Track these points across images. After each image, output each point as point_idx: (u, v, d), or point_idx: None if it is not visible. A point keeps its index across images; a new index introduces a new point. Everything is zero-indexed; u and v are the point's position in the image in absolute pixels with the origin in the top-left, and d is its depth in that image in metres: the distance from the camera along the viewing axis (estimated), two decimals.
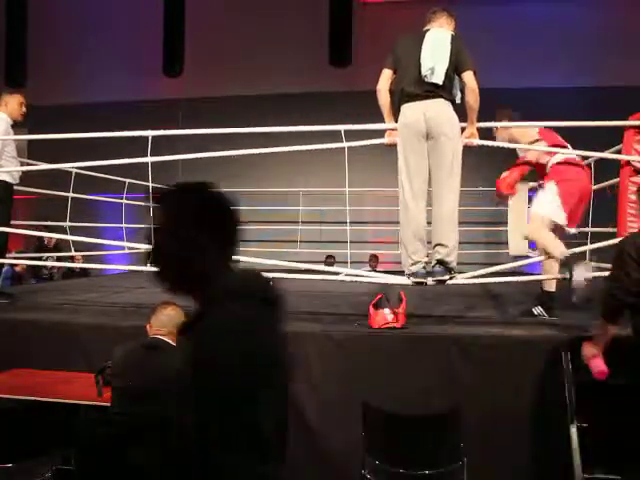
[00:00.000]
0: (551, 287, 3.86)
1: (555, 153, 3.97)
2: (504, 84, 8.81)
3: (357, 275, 4.17)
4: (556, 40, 8.95)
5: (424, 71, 3.53)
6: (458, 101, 3.66)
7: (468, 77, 3.55)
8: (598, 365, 2.63)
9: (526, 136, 4.08)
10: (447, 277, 3.60)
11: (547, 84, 8.79)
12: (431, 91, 3.56)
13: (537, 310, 3.84)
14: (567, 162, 3.95)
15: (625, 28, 8.62)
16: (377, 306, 3.51)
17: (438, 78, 3.52)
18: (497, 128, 4.16)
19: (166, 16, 9.91)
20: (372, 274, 4.47)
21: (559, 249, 3.66)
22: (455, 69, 3.56)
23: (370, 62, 9.31)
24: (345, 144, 3.90)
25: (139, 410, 2.53)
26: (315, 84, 9.45)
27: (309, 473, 3.26)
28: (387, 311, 3.46)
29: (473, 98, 3.58)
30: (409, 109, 3.61)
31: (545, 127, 4.08)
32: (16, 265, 7.39)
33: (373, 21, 9.79)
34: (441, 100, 3.58)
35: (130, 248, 6.55)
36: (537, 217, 3.89)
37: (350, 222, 4.23)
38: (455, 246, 3.61)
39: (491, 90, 8.92)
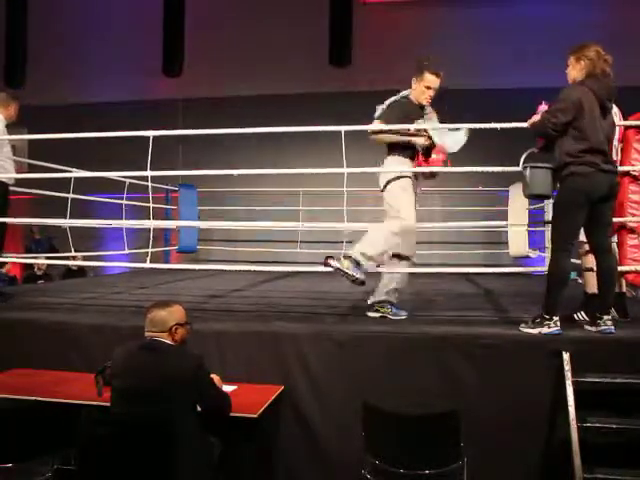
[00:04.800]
0: (593, 288, 3.60)
1: None
2: (504, 84, 8.81)
3: None
4: (557, 40, 8.92)
5: None
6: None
7: None
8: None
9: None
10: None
11: (547, 84, 8.78)
12: None
13: (579, 315, 3.64)
14: None
15: (626, 28, 8.61)
16: None
17: None
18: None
19: (166, 16, 9.92)
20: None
21: None
22: None
23: (370, 62, 9.41)
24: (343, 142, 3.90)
25: (139, 410, 2.53)
26: (315, 84, 9.44)
27: (309, 473, 3.26)
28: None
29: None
30: None
31: None
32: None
33: (373, 21, 9.78)
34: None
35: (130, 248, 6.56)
36: None
37: (349, 222, 4.23)
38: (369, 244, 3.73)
39: (491, 90, 8.96)
